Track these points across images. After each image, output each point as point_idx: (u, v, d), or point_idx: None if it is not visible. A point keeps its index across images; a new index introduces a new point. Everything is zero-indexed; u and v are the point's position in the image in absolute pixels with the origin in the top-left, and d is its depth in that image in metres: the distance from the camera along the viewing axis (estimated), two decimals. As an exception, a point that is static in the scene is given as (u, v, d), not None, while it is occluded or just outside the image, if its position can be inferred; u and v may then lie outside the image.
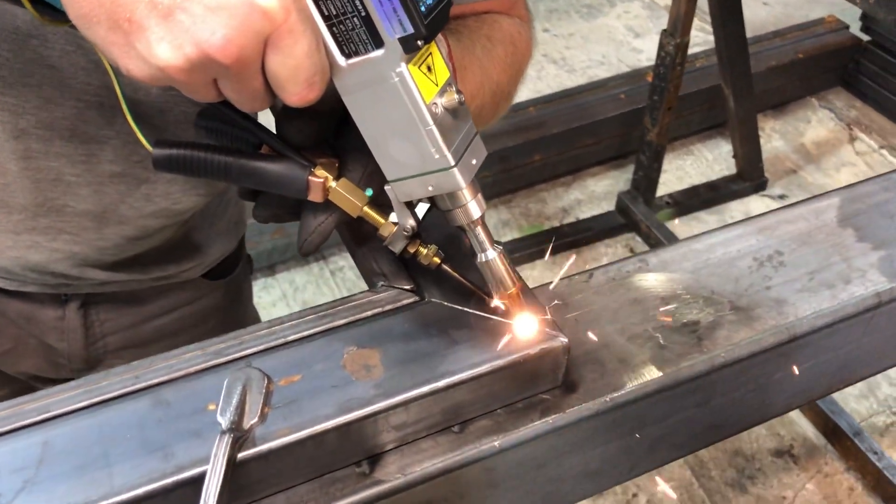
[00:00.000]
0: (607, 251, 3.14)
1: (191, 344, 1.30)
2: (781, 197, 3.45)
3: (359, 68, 0.63)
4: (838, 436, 2.55)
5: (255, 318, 1.48)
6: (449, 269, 0.76)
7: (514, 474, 0.77)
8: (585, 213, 3.24)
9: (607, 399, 0.77)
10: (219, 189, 1.12)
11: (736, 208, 3.39)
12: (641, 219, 3.05)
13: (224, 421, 0.65)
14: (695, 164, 3.58)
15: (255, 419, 0.66)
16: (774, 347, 0.83)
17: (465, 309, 0.76)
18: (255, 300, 1.50)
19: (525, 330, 0.73)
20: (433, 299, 0.77)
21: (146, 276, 1.14)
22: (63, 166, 0.93)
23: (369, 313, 0.75)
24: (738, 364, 0.82)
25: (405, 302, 0.77)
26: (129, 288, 1.14)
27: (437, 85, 0.65)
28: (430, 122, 0.64)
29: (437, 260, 0.76)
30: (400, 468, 0.71)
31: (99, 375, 0.70)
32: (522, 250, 2.93)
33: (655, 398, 0.79)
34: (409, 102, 0.64)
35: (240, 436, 0.65)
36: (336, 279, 3.00)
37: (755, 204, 3.40)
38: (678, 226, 3.28)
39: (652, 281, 0.87)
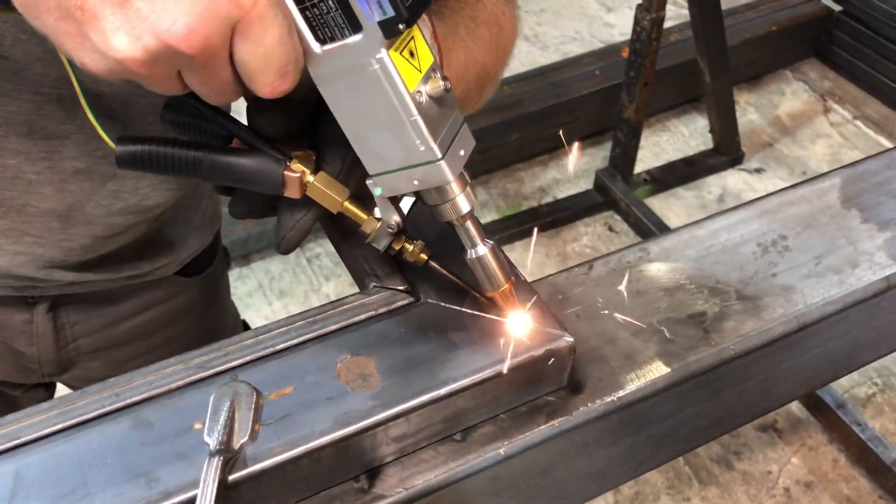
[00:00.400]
0: (587, 230, 3.11)
1: (167, 343, 1.27)
2: (758, 171, 3.44)
3: (335, 55, 0.58)
4: (821, 408, 2.55)
5: (233, 314, 1.43)
6: (437, 267, 0.72)
7: (519, 480, 0.73)
8: (563, 192, 3.21)
9: (615, 399, 0.73)
10: (191, 183, 1.06)
11: (713, 183, 3.38)
12: (620, 196, 3.02)
13: (212, 441, 0.61)
14: (671, 139, 3.55)
15: (246, 438, 0.61)
16: (783, 337, 0.80)
17: (464, 309, 0.71)
18: (231, 291, 1.45)
19: (524, 329, 0.69)
20: (429, 300, 0.73)
21: (117, 276, 1.09)
22: (21, 164, 0.87)
23: (362, 317, 0.71)
24: (748, 356, 0.78)
25: (399, 304, 0.72)
26: (100, 288, 1.09)
27: (420, 71, 0.60)
28: (414, 111, 0.59)
29: (424, 257, 0.71)
30: (400, 481, 0.67)
31: (73, 395, 0.65)
32: (501, 231, 2.89)
33: (664, 395, 0.76)
34: (390, 91, 0.59)
35: (230, 457, 0.60)
36: (313, 266, 2.94)
37: (732, 178, 3.39)
38: (656, 202, 3.26)
39: (654, 271, 0.84)
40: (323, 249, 2.98)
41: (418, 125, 0.60)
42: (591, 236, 3.09)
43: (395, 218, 0.68)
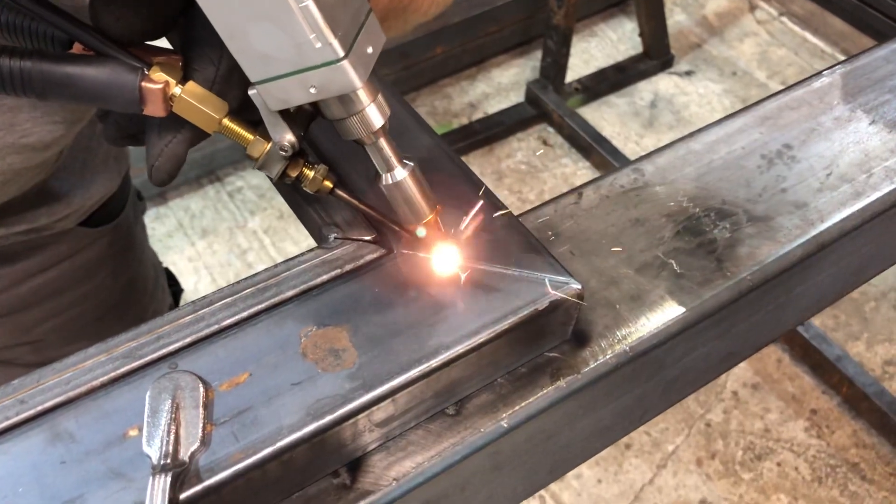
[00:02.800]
0: (520, 145, 3.00)
1: (79, 302, 1.11)
2: (688, 73, 3.36)
3: None
4: (766, 312, 2.54)
5: (153, 263, 1.27)
6: (345, 197, 0.59)
7: (522, 451, 0.63)
8: (494, 106, 3.08)
9: (626, 349, 0.63)
10: (82, 115, 0.89)
11: (644, 88, 3.29)
12: (553, 108, 2.91)
13: (154, 452, 0.48)
14: (599, 45, 3.44)
15: (197, 444, 0.49)
16: (802, 261, 0.70)
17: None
18: (149, 233, 1.29)
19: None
20: (404, 250, 0.60)
21: (12, 231, 0.93)
22: None
23: (325, 278, 0.58)
24: (765, 285, 0.69)
25: (369, 258, 0.59)
26: (-6, 246, 0.93)
27: None
28: None
29: (328, 185, 0.58)
30: (388, 470, 0.56)
31: (-34, 406, 0.51)
32: (433, 152, 2.76)
33: (678, 338, 0.66)
34: None
35: (179, 471, 0.47)
36: (235, 201, 2.76)
37: (663, 83, 3.31)
38: (588, 112, 3.16)
39: (653, 194, 0.72)
40: (245, 182, 2.79)
41: (311, 13, 0.46)
42: (525, 151, 2.98)
43: (289, 137, 0.55)
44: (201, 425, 0.49)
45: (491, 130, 2.92)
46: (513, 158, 2.95)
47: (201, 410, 0.50)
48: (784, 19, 3.59)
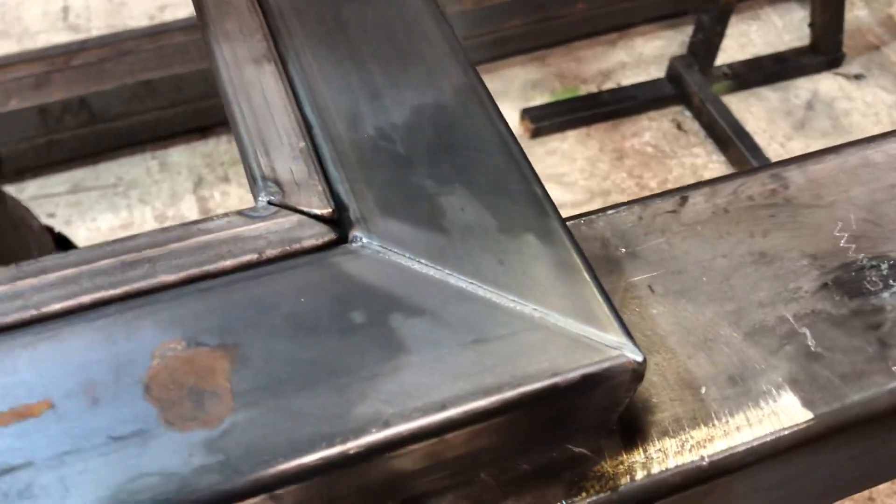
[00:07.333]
0: (651, 125, 2.69)
1: None
2: (858, 77, 2.95)
3: None
4: None
5: (28, 224, 1.04)
6: None
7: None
8: (629, 78, 2.77)
9: (703, 460, 0.38)
10: None
11: (803, 86, 2.91)
12: (695, 90, 2.59)
13: None
14: (761, 30, 3.06)
15: None
16: None
17: (433, 268, 0.36)
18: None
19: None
20: (369, 239, 0.37)
21: None
22: None
23: (229, 264, 0.36)
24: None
25: (310, 243, 0.37)
26: None
27: None
28: None
29: None
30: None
31: None
32: (552, 118, 2.50)
33: (792, 454, 0.41)
34: None
35: None
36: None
37: (826, 83, 2.92)
38: (734, 101, 2.82)
39: (796, 218, 0.47)
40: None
41: None
42: (654, 132, 2.68)
43: None
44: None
45: (621, 104, 2.63)
46: (639, 138, 2.66)
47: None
48: (984, 32, 3.11)
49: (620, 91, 2.68)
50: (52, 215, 2.23)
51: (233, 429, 0.31)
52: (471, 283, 0.35)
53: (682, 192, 0.47)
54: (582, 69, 2.81)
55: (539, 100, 2.68)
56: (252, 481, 0.30)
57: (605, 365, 0.33)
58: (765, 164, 0.46)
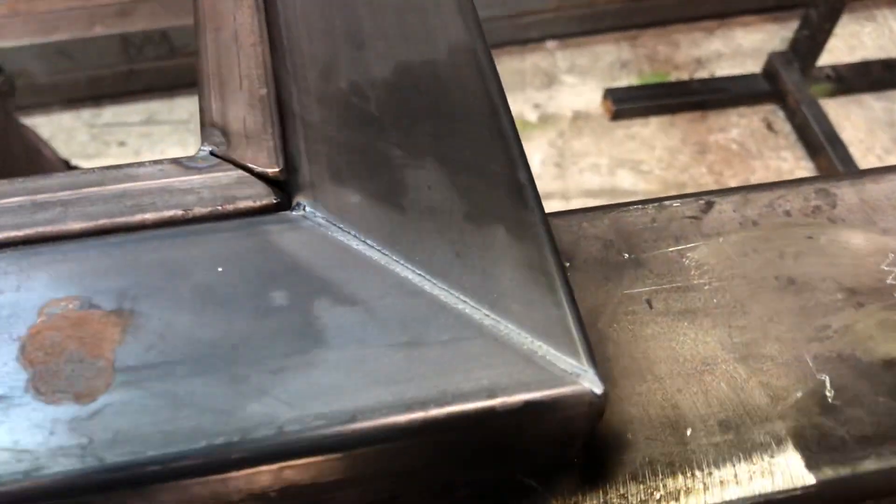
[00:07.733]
0: (739, 121, 2.56)
1: None
2: (974, 94, 2.75)
3: None
4: None
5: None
6: None
7: None
8: (724, 69, 2.64)
9: (674, 515, 0.33)
10: None
11: (912, 98, 2.73)
12: (792, 89, 2.45)
13: None
14: (875, 33, 2.87)
15: None
16: None
17: (385, 252, 0.31)
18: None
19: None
20: (313, 210, 0.32)
21: None
22: None
23: (150, 217, 0.31)
24: None
25: (243, 205, 0.32)
26: None
27: None
28: None
29: None
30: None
31: None
32: (636, 101, 2.40)
33: (785, 520, 0.35)
34: None
35: None
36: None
37: (939, 98, 2.73)
38: (833, 106, 2.66)
39: (838, 243, 0.40)
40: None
41: None
42: (742, 130, 2.55)
43: None
44: None
45: (711, 95, 2.51)
46: (725, 134, 2.53)
47: None
48: None
49: (712, 82, 2.55)
50: (122, 143, 2.25)
51: (105, 409, 0.27)
52: (418, 274, 0.30)
53: (708, 197, 0.41)
54: (674, 54, 2.69)
55: (625, 81, 2.57)
56: (111, 473, 0.26)
57: (555, 392, 0.28)
58: (811, 178, 0.40)
